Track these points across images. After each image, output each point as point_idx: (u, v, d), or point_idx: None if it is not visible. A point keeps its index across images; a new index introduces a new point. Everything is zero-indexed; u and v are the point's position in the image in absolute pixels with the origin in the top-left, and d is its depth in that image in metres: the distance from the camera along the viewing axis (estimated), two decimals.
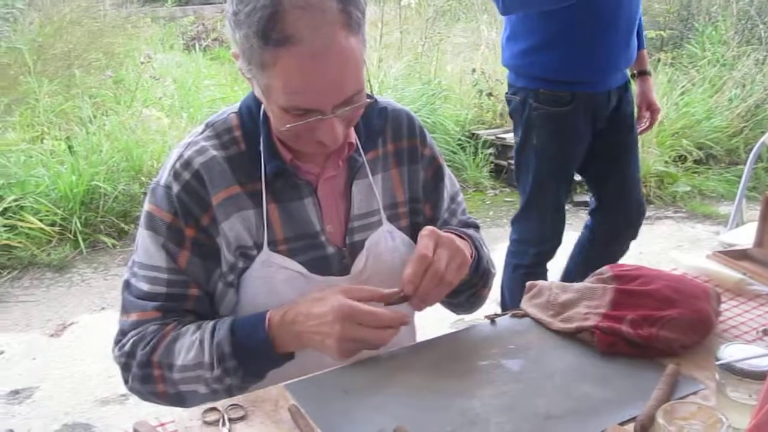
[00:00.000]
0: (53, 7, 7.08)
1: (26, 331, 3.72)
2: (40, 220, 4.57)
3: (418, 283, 1.31)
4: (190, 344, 1.31)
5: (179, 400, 1.36)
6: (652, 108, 3.09)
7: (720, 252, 1.80)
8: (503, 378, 1.31)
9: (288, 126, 1.26)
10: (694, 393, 1.25)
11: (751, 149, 4.92)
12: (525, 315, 1.52)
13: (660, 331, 1.34)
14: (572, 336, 1.43)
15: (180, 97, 6.40)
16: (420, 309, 1.37)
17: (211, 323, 1.33)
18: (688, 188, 5.68)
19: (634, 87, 3.04)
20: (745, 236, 2.75)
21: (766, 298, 1.60)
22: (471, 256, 1.45)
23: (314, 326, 1.25)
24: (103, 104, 6.08)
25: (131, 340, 1.35)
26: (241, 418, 1.20)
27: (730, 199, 5.54)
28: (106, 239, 4.71)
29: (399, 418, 1.18)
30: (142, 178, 5.02)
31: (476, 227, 1.66)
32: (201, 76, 7.16)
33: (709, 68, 6.84)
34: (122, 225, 4.81)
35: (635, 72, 3.07)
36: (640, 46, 2.96)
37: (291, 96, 1.22)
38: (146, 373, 1.34)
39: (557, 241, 3.01)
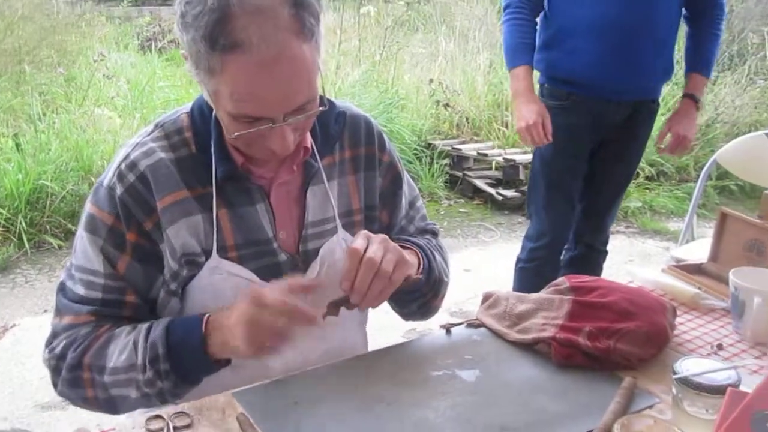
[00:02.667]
0: (4, 2, 6.89)
1: None
2: None
3: (353, 278, 1.26)
4: (124, 345, 1.27)
5: (110, 405, 1.31)
6: (676, 135, 2.91)
7: (675, 266, 1.81)
8: (458, 389, 1.28)
9: (236, 134, 1.22)
10: (650, 407, 1.24)
11: (700, 167, 4.99)
12: (481, 325, 1.50)
13: (617, 343, 1.33)
14: (529, 347, 1.41)
15: (133, 97, 6.27)
16: (362, 307, 1.29)
17: (146, 324, 1.29)
18: (640, 204, 5.75)
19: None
20: (695, 252, 2.79)
21: (720, 312, 1.60)
22: (419, 265, 1.42)
23: (225, 325, 1.21)
24: (54, 102, 5.93)
25: (63, 343, 1.31)
26: (187, 427, 1.16)
27: (679, 216, 5.63)
28: (51, 240, 4.59)
29: (351, 430, 1.15)
30: (92, 179, 4.89)
31: (434, 233, 1.63)
32: (156, 77, 7.02)
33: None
34: (69, 225, 4.68)
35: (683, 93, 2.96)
36: (695, 70, 2.90)
37: (239, 103, 1.18)
38: (75, 375, 1.29)
39: (554, 240, 2.99)
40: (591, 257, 3.12)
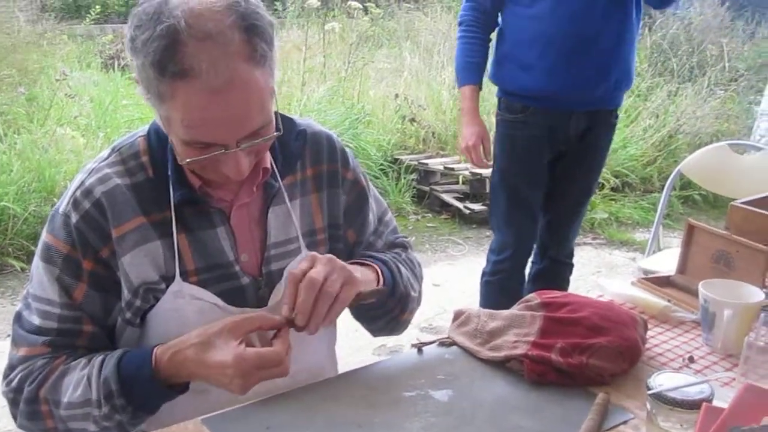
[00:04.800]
0: None
1: None
2: None
3: (294, 302, 1.24)
4: (78, 380, 1.24)
5: None
6: None
7: (644, 278, 1.82)
8: (431, 409, 1.27)
9: (188, 160, 1.20)
10: (624, 423, 1.23)
11: (664, 177, 5.04)
12: (453, 343, 1.49)
13: (590, 359, 1.33)
14: (501, 365, 1.40)
15: (97, 116, 6.19)
16: (311, 331, 1.25)
17: (99, 357, 1.26)
18: (606, 215, 5.79)
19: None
20: (663, 262, 2.81)
21: (690, 324, 1.61)
22: (378, 280, 1.40)
23: (212, 374, 1.19)
24: (15, 122, 5.83)
25: (19, 375, 1.29)
26: None
27: (645, 226, 5.68)
28: (14, 262, 4.51)
29: None
30: (55, 200, 4.81)
31: (404, 247, 1.61)
32: (119, 95, 6.94)
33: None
34: (32, 248, 4.59)
35: None
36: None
37: (190, 130, 1.16)
38: (33, 409, 1.27)
39: (517, 252, 2.98)
40: (556, 270, 3.13)
